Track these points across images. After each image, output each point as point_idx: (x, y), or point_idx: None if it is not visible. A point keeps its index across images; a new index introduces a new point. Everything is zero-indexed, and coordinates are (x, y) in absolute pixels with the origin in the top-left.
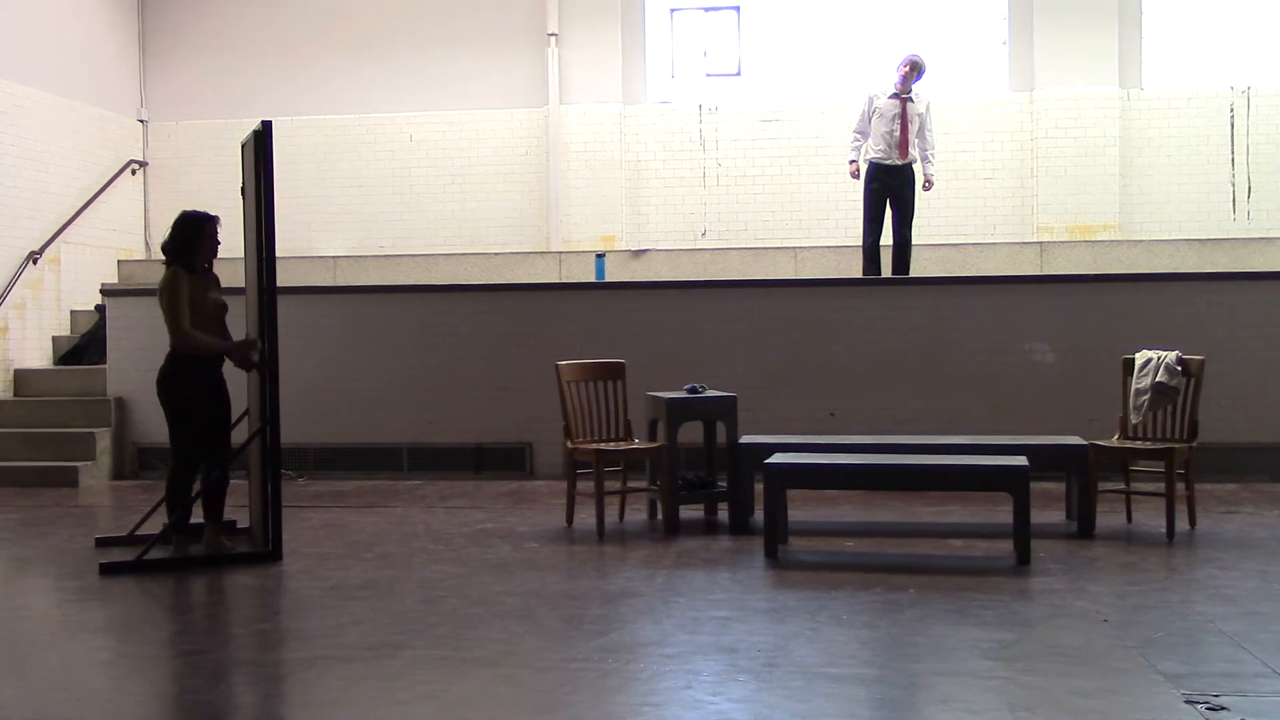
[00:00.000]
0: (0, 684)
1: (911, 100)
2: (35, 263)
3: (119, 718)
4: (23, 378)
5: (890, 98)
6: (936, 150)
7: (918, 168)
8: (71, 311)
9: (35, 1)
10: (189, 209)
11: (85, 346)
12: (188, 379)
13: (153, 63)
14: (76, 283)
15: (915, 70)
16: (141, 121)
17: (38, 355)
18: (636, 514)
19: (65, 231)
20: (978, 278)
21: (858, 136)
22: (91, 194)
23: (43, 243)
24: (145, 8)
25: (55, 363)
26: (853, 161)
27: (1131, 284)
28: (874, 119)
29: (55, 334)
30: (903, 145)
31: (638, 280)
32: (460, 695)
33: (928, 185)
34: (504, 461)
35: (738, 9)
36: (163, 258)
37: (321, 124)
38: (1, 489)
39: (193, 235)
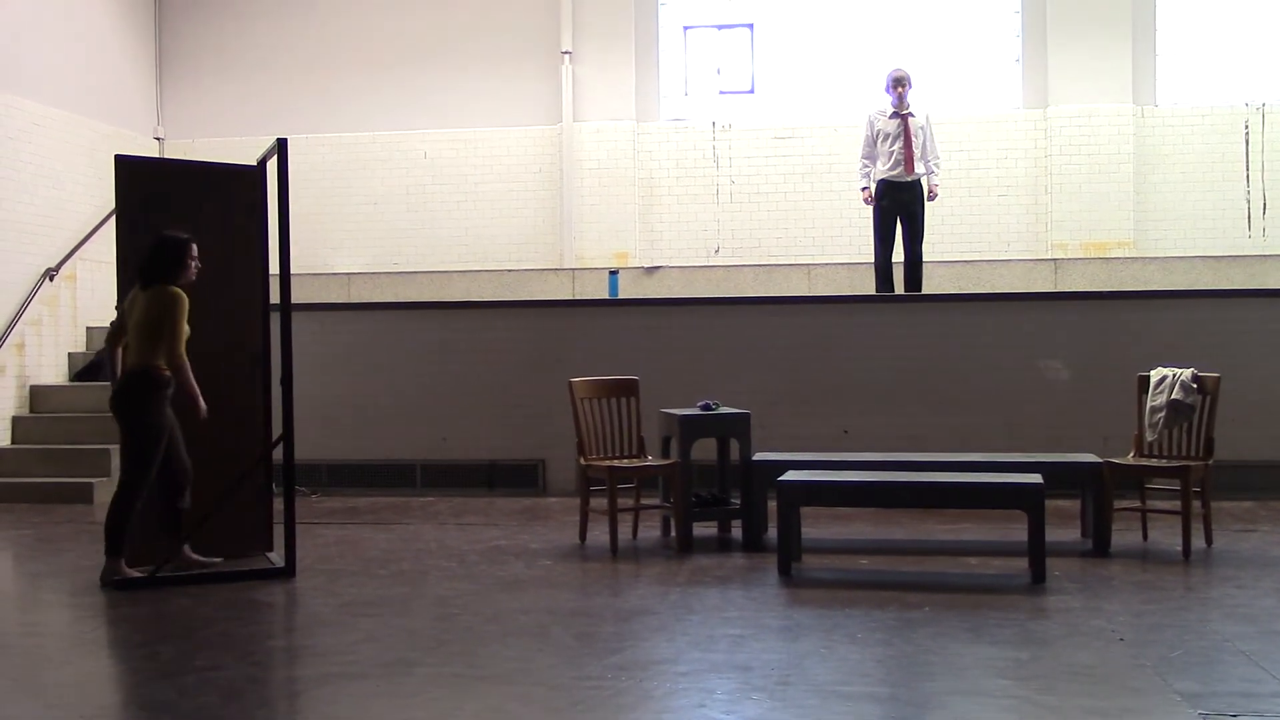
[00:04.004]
0: (14, 700)
1: (911, 115)
2: (52, 279)
3: None
4: (39, 394)
5: (890, 117)
6: (941, 160)
7: (925, 182)
8: (87, 328)
9: (53, 21)
10: (166, 231)
11: (101, 363)
12: (160, 398)
13: (169, 82)
14: (92, 299)
15: (903, 85)
16: (158, 139)
17: (53, 372)
18: (650, 531)
19: (82, 248)
20: (992, 295)
21: (865, 163)
22: (108, 211)
23: (59, 260)
24: (162, 27)
25: (71, 379)
26: (865, 189)
27: (1146, 301)
28: (878, 141)
29: (71, 350)
30: (908, 160)
31: (651, 297)
32: (473, 713)
33: (932, 195)
34: (517, 478)
35: (751, 26)
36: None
37: (336, 142)
38: (17, 505)
39: (178, 258)
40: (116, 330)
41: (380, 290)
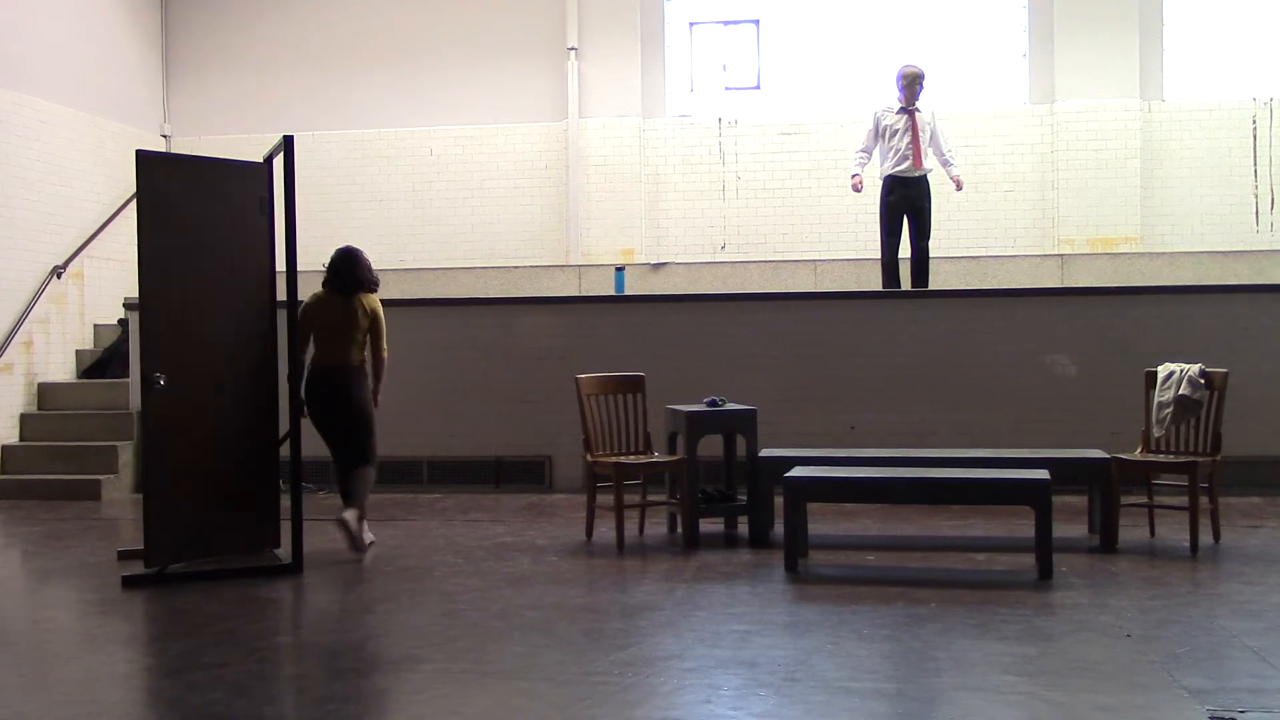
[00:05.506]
0: (23, 697)
1: (918, 110)
2: (59, 277)
3: None
4: (46, 391)
5: (898, 113)
6: (956, 152)
7: (933, 178)
8: (95, 325)
9: (60, 19)
10: (350, 245)
11: (108, 360)
12: (366, 384)
13: (176, 79)
14: (100, 297)
15: (918, 82)
16: (165, 137)
17: (61, 369)
18: (656, 527)
19: (89, 246)
20: (999, 290)
21: (861, 155)
22: (115, 209)
23: (67, 257)
24: (169, 25)
25: (78, 376)
26: (855, 176)
27: (1153, 296)
28: (884, 136)
29: (79, 348)
30: (915, 156)
31: (657, 293)
32: (480, 709)
33: (959, 186)
34: (523, 474)
35: (757, 22)
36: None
37: (342, 138)
38: (25, 501)
39: (369, 268)
40: (303, 334)
41: (386, 287)
